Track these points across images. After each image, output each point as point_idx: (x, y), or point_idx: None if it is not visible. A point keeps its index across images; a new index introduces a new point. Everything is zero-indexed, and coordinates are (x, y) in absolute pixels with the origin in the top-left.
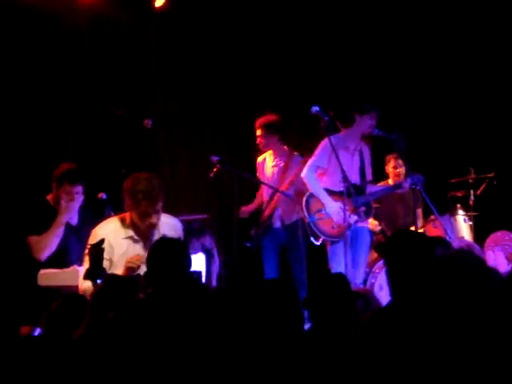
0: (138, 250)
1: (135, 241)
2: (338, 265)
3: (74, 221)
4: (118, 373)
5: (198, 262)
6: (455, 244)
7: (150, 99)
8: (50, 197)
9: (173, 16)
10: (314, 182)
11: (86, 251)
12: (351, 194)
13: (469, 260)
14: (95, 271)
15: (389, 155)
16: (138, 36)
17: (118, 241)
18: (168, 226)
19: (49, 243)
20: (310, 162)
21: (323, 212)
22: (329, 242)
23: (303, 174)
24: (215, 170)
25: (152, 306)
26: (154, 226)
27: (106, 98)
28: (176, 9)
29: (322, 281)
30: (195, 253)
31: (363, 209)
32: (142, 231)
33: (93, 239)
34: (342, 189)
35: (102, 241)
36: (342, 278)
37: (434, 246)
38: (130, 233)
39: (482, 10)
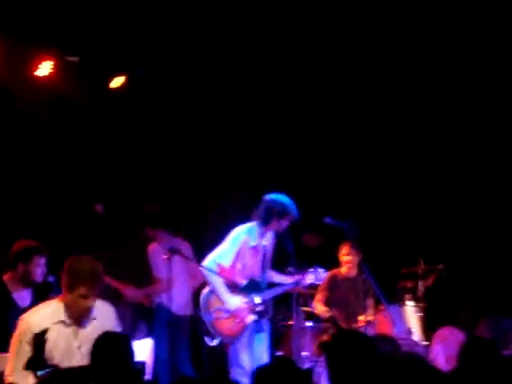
0: (68, 335)
1: (66, 325)
2: (237, 366)
3: (26, 303)
4: None
5: (145, 348)
6: (402, 337)
7: (103, 182)
8: (7, 277)
9: (129, 95)
10: (215, 276)
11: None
12: (250, 290)
13: (419, 364)
14: (37, 361)
15: (342, 243)
16: (94, 115)
17: (49, 326)
18: (100, 310)
19: None
20: (215, 252)
21: (222, 310)
22: (228, 344)
23: (205, 263)
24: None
25: None
26: (88, 310)
27: (60, 179)
28: (132, 89)
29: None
30: (142, 338)
31: (261, 308)
32: (76, 314)
33: (25, 325)
34: (242, 285)
35: (45, 331)
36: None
37: (376, 345)
38: (62, 317)
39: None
